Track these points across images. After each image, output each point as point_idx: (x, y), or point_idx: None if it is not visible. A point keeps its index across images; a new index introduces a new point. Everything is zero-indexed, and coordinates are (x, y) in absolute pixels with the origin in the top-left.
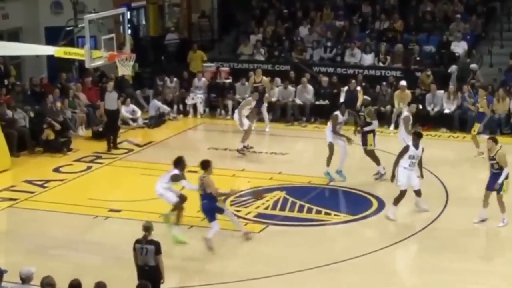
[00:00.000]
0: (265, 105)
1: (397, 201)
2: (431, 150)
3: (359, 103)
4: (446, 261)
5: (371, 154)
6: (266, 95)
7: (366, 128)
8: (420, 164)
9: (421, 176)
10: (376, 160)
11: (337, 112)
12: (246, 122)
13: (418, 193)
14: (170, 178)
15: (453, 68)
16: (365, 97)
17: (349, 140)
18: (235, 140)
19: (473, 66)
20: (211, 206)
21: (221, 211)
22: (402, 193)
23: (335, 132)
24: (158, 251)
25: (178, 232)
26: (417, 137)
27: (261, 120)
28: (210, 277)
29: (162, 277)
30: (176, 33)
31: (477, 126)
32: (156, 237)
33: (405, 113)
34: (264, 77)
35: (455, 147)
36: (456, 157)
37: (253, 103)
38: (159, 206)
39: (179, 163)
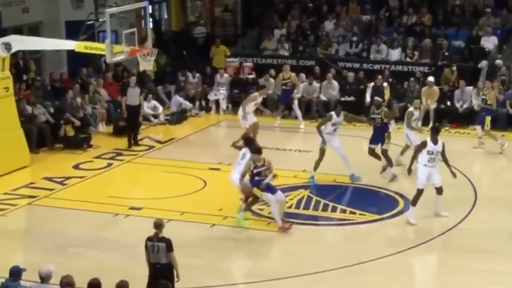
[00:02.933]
0: (296, 102)
1: (414, 201)
2: (460, 147)
3: (386, 100)
4: (472, 262)
5: (385, 154)
6: (295, 91)
7: (390, 129)
8: (446, 162)
9: (453, 175)
10: (389, 160)
11: (332, 113)
12: (250, 118)
13: (439, 190)
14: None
15: (483, 64)
16: (376, 98)
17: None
18: (258, 136)
19: (498, 62)
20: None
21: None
22: (419, 192)
23: (319, 130)
24: (169, 248)
25: (242, 216)
26: (434, 132)
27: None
28: (233, 277)
29: (176, 275)
30: (205, 26)
31: (488, 120)
32: (168, 235)
33: (410, 108)
34: (292, 74)
35: (485, 145)
36: (486, 155)
37: (260, 99)
38: (180, 204)
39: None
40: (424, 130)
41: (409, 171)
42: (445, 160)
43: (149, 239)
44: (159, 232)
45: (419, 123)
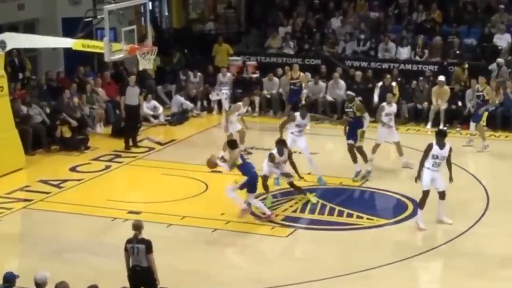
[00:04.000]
0: (303, 102)
1: (421, 204)
2: (471, 150)
3: (394, 100)
4: (484, 267)
5: (360, 150)
6: (304, 91)
7: (365, 127)
8: (449, 165)
9: (450, 179)
10: (365, 157)
11: (297, 113)
12: (232, 127)
13: (441, 195)
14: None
15: (493, 66)
16: (349, 92)
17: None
18: (262, 138)
19: (500, 60)
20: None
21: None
22: (424, 194)
23: (280, 128)
24: (149, 250)
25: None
26: (440, 136)
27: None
28: (236, 284)
29: (156, 278)
30: (215, 22)
31: (485, 116)
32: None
33: (383, 103)
34: (301, 73)
35: (497, 147)
36: (498, 158)
37: (243, 110)
38: (181, 208)
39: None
40: (400, 128)
41: (418, 177)
42: (448, 165)
43: (128, 241)
44: (138, 234)
45: (391, 119)
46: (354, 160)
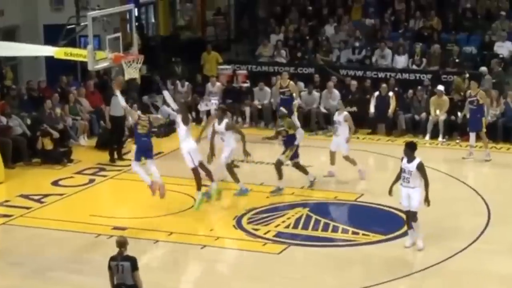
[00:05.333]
0: (296, 114)
1: (408, 224)
2: (472, 163)
3: (390, 111)
4: (489, 284)
5: (277, 165)
6: (295, 102)
7: (297, 141)
8: (425, 184)
9: (426, 200)
10: (303, 170)
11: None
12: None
13: (412, 216)
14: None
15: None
16: (281, 108)
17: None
18: (253, 150)
19: (483, 69)
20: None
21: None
22: (405, 213)
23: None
24: (134, 267)
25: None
26: (408, 148)
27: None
28: None
29: None
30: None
31: (485, 122)
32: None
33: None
34: (291, 82)
35: (498, 160)
36: (499, 171)
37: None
38: (168, 224)
39: None
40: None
41: (390, 192)
42: (424, 184)
43: (112, 258)
44: (123, 251)
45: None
46: (280, 176)
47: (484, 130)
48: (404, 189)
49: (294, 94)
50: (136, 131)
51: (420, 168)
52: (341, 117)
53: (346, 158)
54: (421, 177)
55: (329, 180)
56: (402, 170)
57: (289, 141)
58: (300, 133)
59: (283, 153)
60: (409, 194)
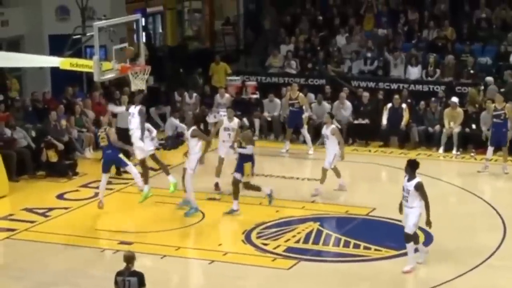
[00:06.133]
0: (305, 126)
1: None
2: (486, 176)
3: (403, 123)
4: None
5: (248, 186)
6: (305, 114)
7: (242, 151)
8: (425, 206)
9: (427, 223)
10: (256, 188)
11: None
12: (224, 151)
13: (405, 236)
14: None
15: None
16: (244, 119)
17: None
18: (262, 163)
19: (488, 79)
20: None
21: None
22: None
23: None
24: (141, 283)
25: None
26: (409, 166)
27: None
28: None
29: None
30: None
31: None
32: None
33: None
34: (300, 93)
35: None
36: None
37: (226, 123)
38: (175, 239)
39: None
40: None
41: (399, 210)
42: (425, 205)
43: (119, 273)
44: (130, 266)
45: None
46: (235, 196)
47: (508, 144)
48: (405, 209)
49: (304, 106)
50: (99, 144)
51: (419, 188)
52: (328, 130)
53: (323, 171)
54: (421, 198)
55: (340, 194)
56: (402, 189)
57: (243, 155)
58: (249, 150)
59: (238, 170)
60: (407, 213)
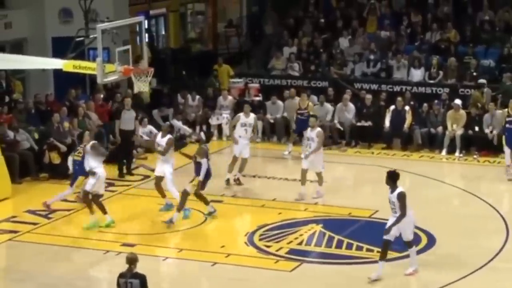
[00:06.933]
0: None
1: (381, 255)
2: (489, 178)
3: (406, 125)
4: None
5: (198, 195)
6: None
7: (201, 175)
8: (400, 215)
9: (388, 230)
10: (204, 200)
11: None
12: (247, 150)
13: (407, 244)
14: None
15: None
16: (201, 133)
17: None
18: (265, 165)
19: (482, 81)
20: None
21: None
22: (384, 244)
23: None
24: (144, 285)
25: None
26: (389, 178)
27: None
28: None
29: None
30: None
31: None
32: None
33: None
34: (310, 103)
35: None
36: None
37: (243, 118)
38: (178, 240)
39: None
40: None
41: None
42: (400, 213)
43: (121, 275)
44: (133, 268)
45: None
46: (180, 207)
47: None
48: (391, 218)
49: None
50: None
51: (400, 198)
52: (313, 133)
53: (319, 175)
54: (406, 207)
55: (343, 196)
56: (389, 201)
57: (198, 169)
58: (204, 165)
59: (191, 181)
60: (398, 225)
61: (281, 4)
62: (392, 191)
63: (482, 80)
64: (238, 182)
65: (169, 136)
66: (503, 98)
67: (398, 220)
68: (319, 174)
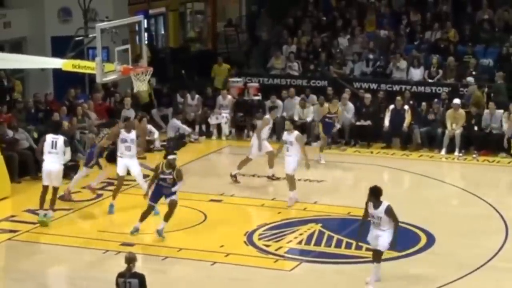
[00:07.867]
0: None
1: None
2: (488, 177)
3: (406, 124)
4: None
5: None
6: (336, 127)
7: (175, 189)
8: (395, 226)
9: (392, 245)
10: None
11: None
12: (265, 146)
13: (378, 255)
14: None
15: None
16: (170, 157)
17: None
18: (265, 165)
19: (470, 79)
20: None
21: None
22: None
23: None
24: (142, 285)
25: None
26: (372, 194)
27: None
28: None
29: None
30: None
31: None
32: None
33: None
34: (339, 109)
35: None
36: None
37: (272, 122)
38: (177, 240)
39: None
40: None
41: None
42: (394, 225)
43: (120, 275)
44: (131, 267)
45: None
46: (142, 218)
47: None
48: (374, 230)
49: (337, 119)
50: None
51: (389, 212)
52: (291, 137)
53: (288, 177)
54: (392, 219)
55: (342, 195)
56: (370, 215)
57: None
58: (179, 185)
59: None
60: (378, 235)
61: (280, 4)
62: (377, 207)
63: (469, 78)
64: (235, 179)
65: (133, 131)
66: (495, 96)
67: (395, 230)
68: (289, 178)
